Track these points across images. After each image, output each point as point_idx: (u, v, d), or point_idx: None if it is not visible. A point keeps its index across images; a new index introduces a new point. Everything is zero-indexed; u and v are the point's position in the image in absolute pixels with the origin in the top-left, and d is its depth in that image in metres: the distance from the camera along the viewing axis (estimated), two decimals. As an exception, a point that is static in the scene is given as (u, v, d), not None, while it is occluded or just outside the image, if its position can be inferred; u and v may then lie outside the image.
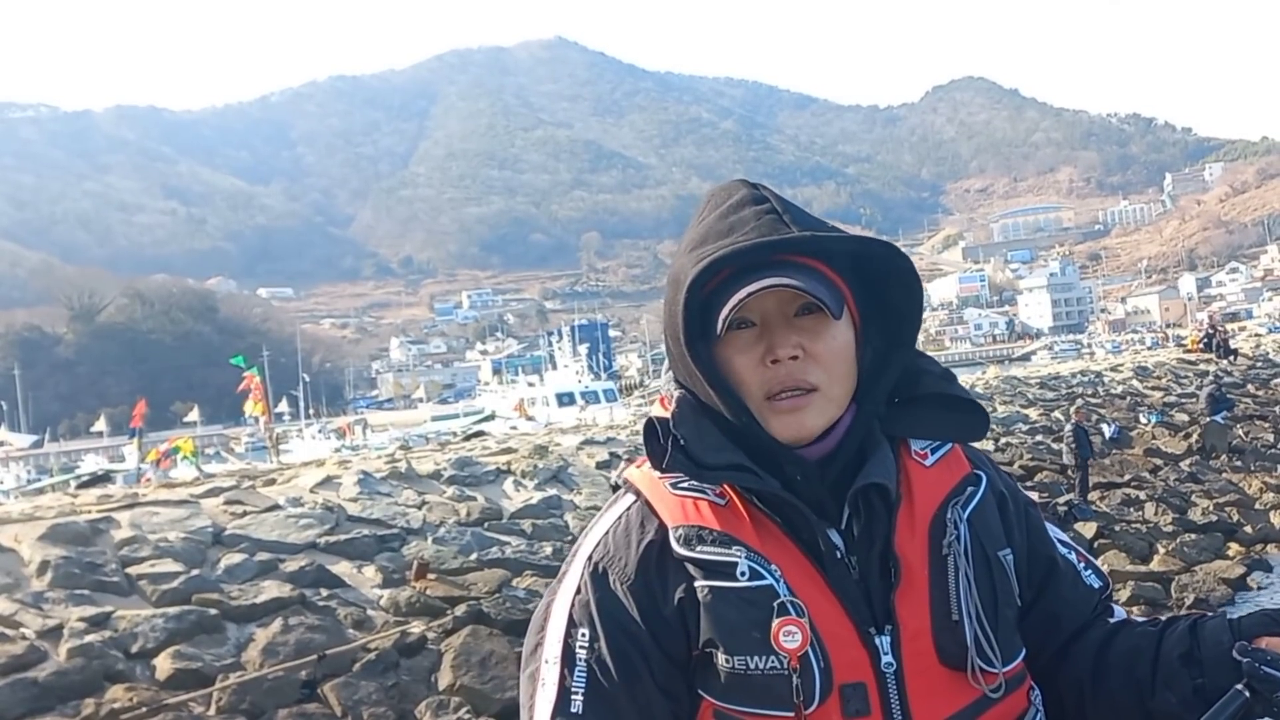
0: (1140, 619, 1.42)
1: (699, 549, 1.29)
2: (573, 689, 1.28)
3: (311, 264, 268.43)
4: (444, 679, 8.46)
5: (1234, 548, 15.48)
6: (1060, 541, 1.47)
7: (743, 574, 1.26)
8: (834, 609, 1.27)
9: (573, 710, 1.28)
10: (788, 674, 1.24)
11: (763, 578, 1.26)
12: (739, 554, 1.27)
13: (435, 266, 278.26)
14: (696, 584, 1.29)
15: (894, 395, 1.41)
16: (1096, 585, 1.46)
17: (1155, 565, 14.36)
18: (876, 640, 1.27)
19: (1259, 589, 13.96)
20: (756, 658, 1.25)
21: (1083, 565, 1.47)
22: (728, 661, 1.27)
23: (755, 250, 1.28)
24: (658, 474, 1.36)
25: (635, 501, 1.37)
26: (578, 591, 1.33)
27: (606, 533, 1.36)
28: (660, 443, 1.34)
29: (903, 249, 1.38)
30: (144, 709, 7.24)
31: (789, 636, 1.24)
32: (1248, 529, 16.10)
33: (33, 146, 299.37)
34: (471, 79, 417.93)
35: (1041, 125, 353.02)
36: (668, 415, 1.36)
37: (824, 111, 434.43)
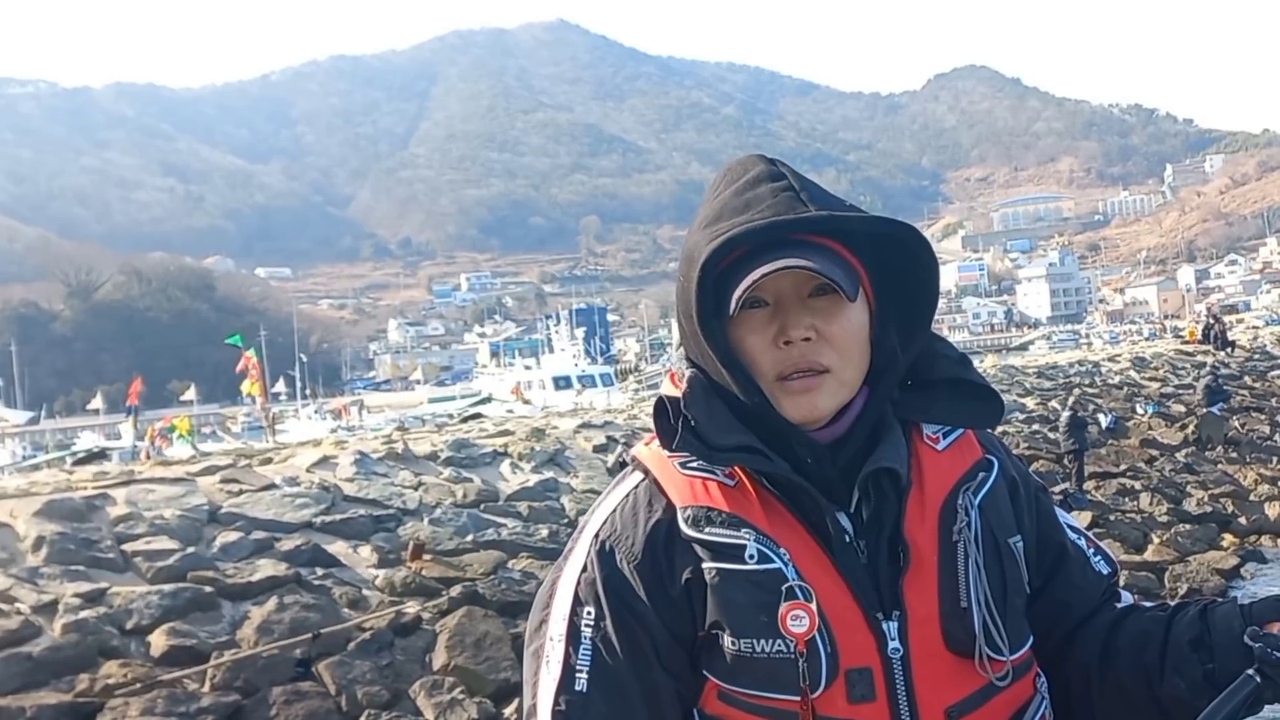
0: (1148, 604, 1.41)
1: (707, 530, 1.28)
2: (577, 667, 1.28)
3: (310, 244, 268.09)
4: (438, 659, 8.46)
5: (1228, 539, 15.52)
6: (1070, 527, 1.46)
7: (751, 557, 1.25)
8: (842, 593, 1.26)
9: (577, 688, 1.27)
10: (794, 658, 1.23)
11: (771, 561, 1.25)
12: (748, 536, 1.26)
13: (434, 248, 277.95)
14: (704, 565, 1.27)
15: (908, 378, 1.39)
16: (1105, 571, 1.44)
17: (1149, 555, 14.40)
18: (884, 625, 1.26)
19: (1252, 580, 14.01)
20: (763, 641, 1.24)
21: (1092, 551, 1.45)
22: (734, 644, 1.26)
23: (770, 229, 1.26)
24: (667, 453, 1.34)
25: (643, 480, 1.36)
26: (584, 569, 1.32)
27: (614, 510, 1.35)
28: (670, 422, 1.32)
29: (911, 233, 1.37)
30: (138, 685, 7.24)
31: (796, 620, 1.23)
32: (1242, 520, 16.16)
33: (31, 122, 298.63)
34: (472, 60, 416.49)
35: (1043, 115, 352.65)
36: (678, 394, 1.35)
37: (825, 98, 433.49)
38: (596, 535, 1.33)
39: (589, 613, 1.29)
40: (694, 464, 1.32)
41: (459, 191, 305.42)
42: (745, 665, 1.26)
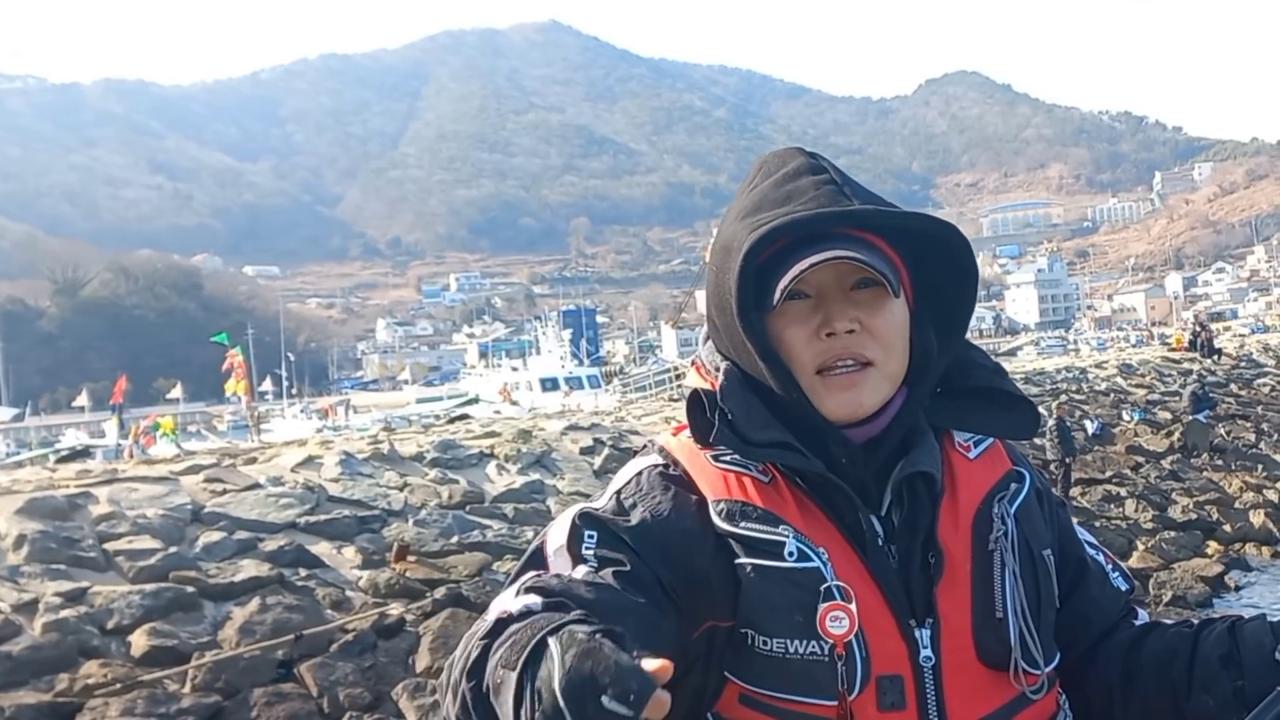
0: (1170, 621, 1.39)
1: (743, 525, 1.24)
2: (573, 576, 1.17)
3: (298, 243, 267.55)
4: (421, 661, 8.42)
5: (1213, 546, 15.56)
6: (1088, 543, 1.44)
7: (790, 554, 1.21)
8: (875, 598, 1.22)
9: (566, 578, 1.16)
10: (829, 660, 1.18)
11: (810, 559, 1.21)
12: (786, 534, 1.22)
13: (423, 248, 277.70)
14: (738, 561, 1.23)
15: (941, 386, 1.37)
16: (1124, 588, 1.42)
17: (1134, 562, 14.40)
18: (916, 633, 1.22)
19: (1237, 588, 14.05)
20: (797, 641, 1.19)
21: (1110, 567, 1.43)
22: (765, 644, 1.21)
23: (815, 221, 1.23)
24: (698, 446, 1.31)
25: (667, 464, 1.31)
26: (597, 507, 1.26)
27: (639, 473, 1.30)
28: (706, 416, 1.29)
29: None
30: (118, 685, 7.18)
31: (836, 622, 1.18)
32: (1227, 528, 16.19)
33: (20, 118, 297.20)
34: (464, 60, 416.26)
35: (1033, 121, 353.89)
36: (709, 387, 1.32)
37: (816, 102, 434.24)
38: (618, 492, 1.28)
39: (591, 536, 1.21)
40: (727, 457, 1.29)
41: (449, 192, 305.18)
42: (776, 667, 1.21)
